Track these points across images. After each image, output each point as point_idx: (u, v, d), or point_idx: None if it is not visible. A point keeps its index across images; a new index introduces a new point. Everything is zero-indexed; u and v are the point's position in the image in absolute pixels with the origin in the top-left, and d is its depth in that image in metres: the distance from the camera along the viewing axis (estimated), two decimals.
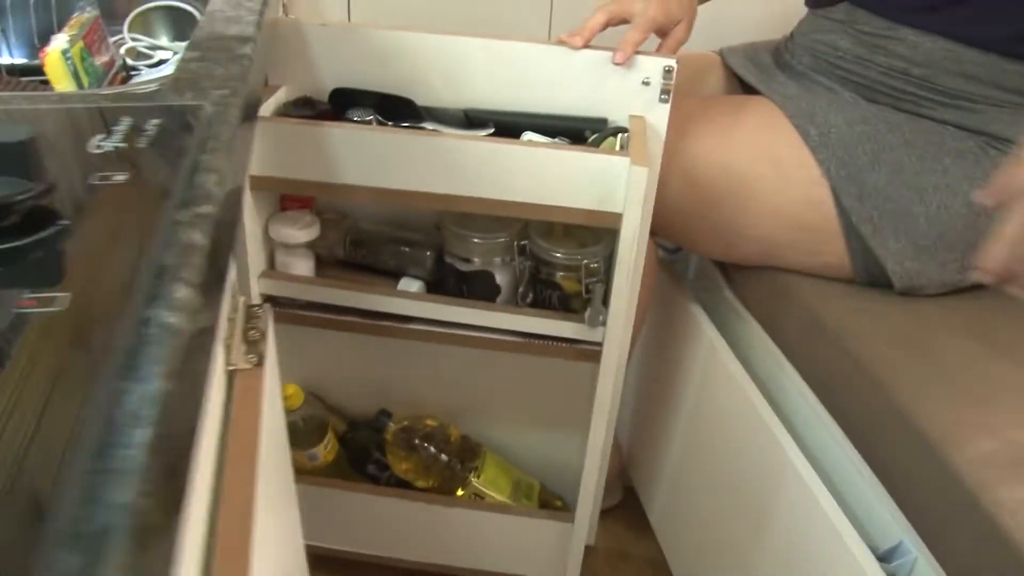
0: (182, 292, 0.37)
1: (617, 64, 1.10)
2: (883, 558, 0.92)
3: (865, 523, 0.98)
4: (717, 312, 1.33)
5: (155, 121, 0.52)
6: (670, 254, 1.52)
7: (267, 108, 1.12)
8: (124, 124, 0.52)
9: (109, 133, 0.50)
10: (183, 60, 0.66)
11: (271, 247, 1.21)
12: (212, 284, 0.42)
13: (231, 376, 0.62)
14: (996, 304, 1.12)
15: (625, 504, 1.59)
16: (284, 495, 0.75)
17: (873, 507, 0.97)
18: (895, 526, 0.93)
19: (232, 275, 0.69)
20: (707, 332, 1.28)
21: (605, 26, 1.12)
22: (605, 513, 1.55)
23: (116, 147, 0.48)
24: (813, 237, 1.15)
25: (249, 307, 0.68)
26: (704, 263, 1.43)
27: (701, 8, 1.21)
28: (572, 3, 1.73)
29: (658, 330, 1.46)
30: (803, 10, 1.29)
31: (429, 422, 1.35)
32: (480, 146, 1.05)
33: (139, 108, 0.55)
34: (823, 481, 1.02)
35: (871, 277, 1.15)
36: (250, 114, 0.64)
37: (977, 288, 1.15)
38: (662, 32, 1.15)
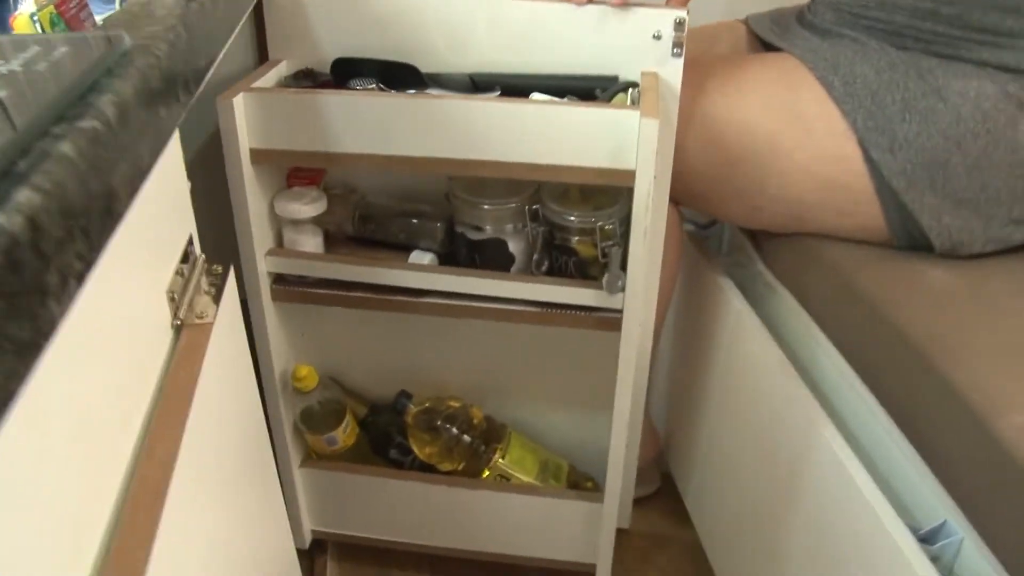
0: (26, 196, 0.33)
1: (614, 6, 1.04)
2: (925, 539, 0.85)
3: (906, 502, 0.91)
4: (749, 286, 1.27)
5: (64, 49, 0.48)
6: (702, 229, 1.45)
7: (267, 82, 1.09)
8: (31, 51, 0.48)
9: (7, 60, 0.46)
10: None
11: (278, 226, 1.17)
12: (81, 204, 0.37)
13: (178, 331, 0.58)
14: None
15: (664, 492, 1.53)
16: (241, 465, 0.71)
17: (914, 485, 0.90)
18: (938, 505, 0.86)
19: (188, 238, 0.65)
20: (736, 305, 1.21)
21: None
22: (642, 501, 1.50)
23: (10, 70, 0.44)
24: (843, 196, 1.08)
25: (208, 265, 0.64)
26: (736, 237, 1.37)
27: None
28: None
29: (690, 309, 1.40)
30: None
31: (451, 403, 1.30)
32: (485, 107, 1.00)
33: (55, 39, 0.51)
34: (860, 458, 0.95)
35: (910, 239, 1.07)
36: (195, 63, 0.59)
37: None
38: None
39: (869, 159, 1.05)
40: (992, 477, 0.79)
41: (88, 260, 0.38)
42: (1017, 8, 1.00)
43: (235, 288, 0.67)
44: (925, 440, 0.89)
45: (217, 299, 0.61)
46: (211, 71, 0.64)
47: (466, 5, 1.09)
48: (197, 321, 0.59)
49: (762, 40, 1.26)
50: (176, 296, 0.59)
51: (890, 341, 0.95)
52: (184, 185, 0.65)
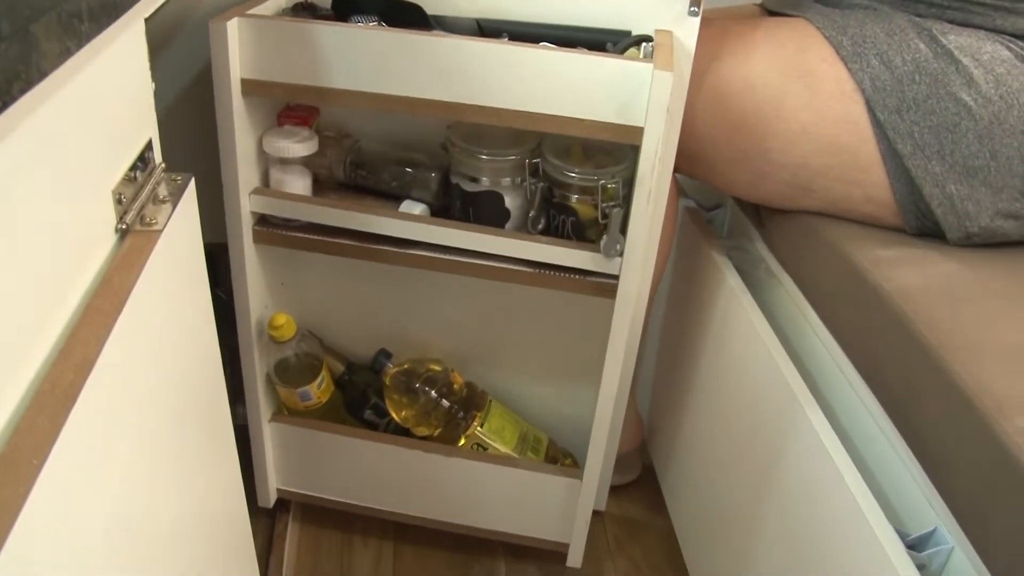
0: None
1: None
2: (913, 546, 0.80)
3: (896, 505, 0.86)
4: (749, 270, 1.21)
5: None
6: (706, 211, 1.40)
7: (264, 11, 1.03)
8: None
9: None
10: None
11: (266, 166, 1.11)
12: None
13: (123, 236, 0.52)
14: None
15: (644, 481, 1.48)
16: (184, 398, 0.65)
17: (906, 486, 0.85)
18: (930, 510, 0.81)
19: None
20: (731, 285, 1.16)
21: None
22: (620, 488, 1.45)
23: None
24: (849, 160, 1.02)
25: (167, 173, 0.58)
26: (738, 218, 1.31)
27: None
28: None
29: (684, 289, 1.35)
30: None
31: (432, 366, 1.24)
32: (490, 49, 0.94)
33: None
34: (851, 454, 0.89)
35: (918, 215, 1.02)
36: None
37: None
38: None
39: (876, 122, 1.00)
40: (992, 483, 0.73)
41: None
42: None
43: (194, 199, 0.61)
44: (922, 439, 0.84)
45: (166, 205, 0.55)
46: None
47: None
48: (144, 228, 0.53)
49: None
50: (124, 199, 0.53)
51: (893, 332, 0.89)
52: (147, 85, 0.59)
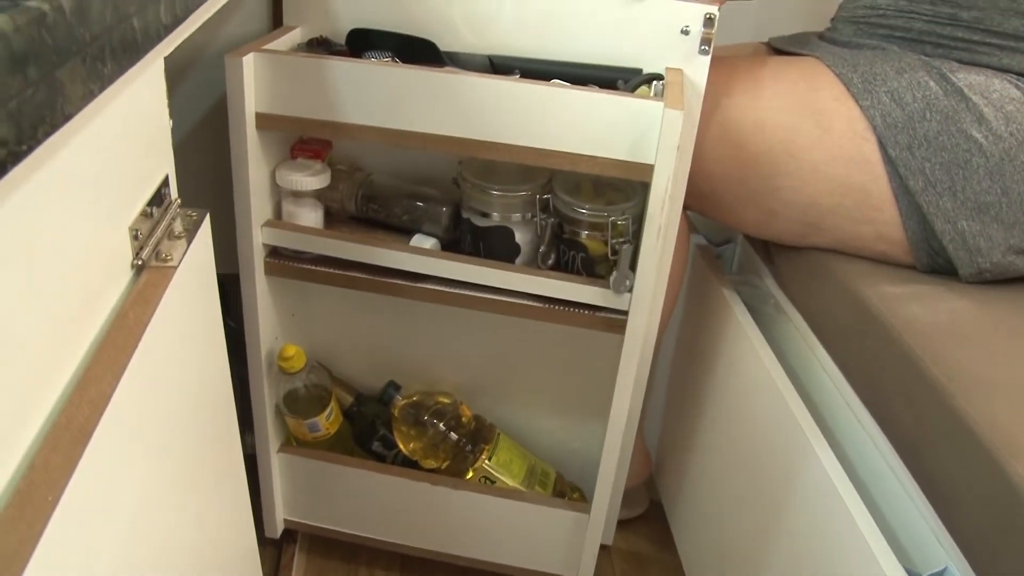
0: None
1: None
2: None
3: (904, 543, 0.86)
4: (758, 306, 1.22)
5: None
6: (716, 247, 1.40)
7: (280, 47, 1.05)
8: None
9: None
10: None
11: (279, 198, 1.12)
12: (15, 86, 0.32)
13: (138, 272, 0.53)
14: None
15: (651, 516, 1.48)
16: (195, 432, 0.65)
17: (915, 525, 0.85)
18: (940, 549, 0.81)
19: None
20: (740, 321, 1.16)
21: None
22: (627, 523, 1.45)
23: None
24: (860, 199, 1.03)
25: (182, 208, 0.59)
26: (747, 254, 1.31)
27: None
28: None
29: (693, 325, 1.35)
30: None
31: (441, 399, 1.25)
32: (503, 86, 0.96)
33: None
34: (861, 493, 0.89)
35: (930, 254, 1.02)
36: None
37: None
38: None
39: (888, 160, 1.00)
40: (1002, 523, 0.73)
41: (15, 152, 0.33)
42: None
43: (208, 235, 0.62)
44: (931, 478, 0.83)
45: (182, 241, 0.56)
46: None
47: None
48: (160, 264, 0.54)
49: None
50: (141, 235, 0.54)
51: (903, 370, 0.89)
52: (164, 121, 0.60)
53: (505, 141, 0.97)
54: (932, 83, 0.99)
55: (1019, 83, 0.98)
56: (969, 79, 0.99)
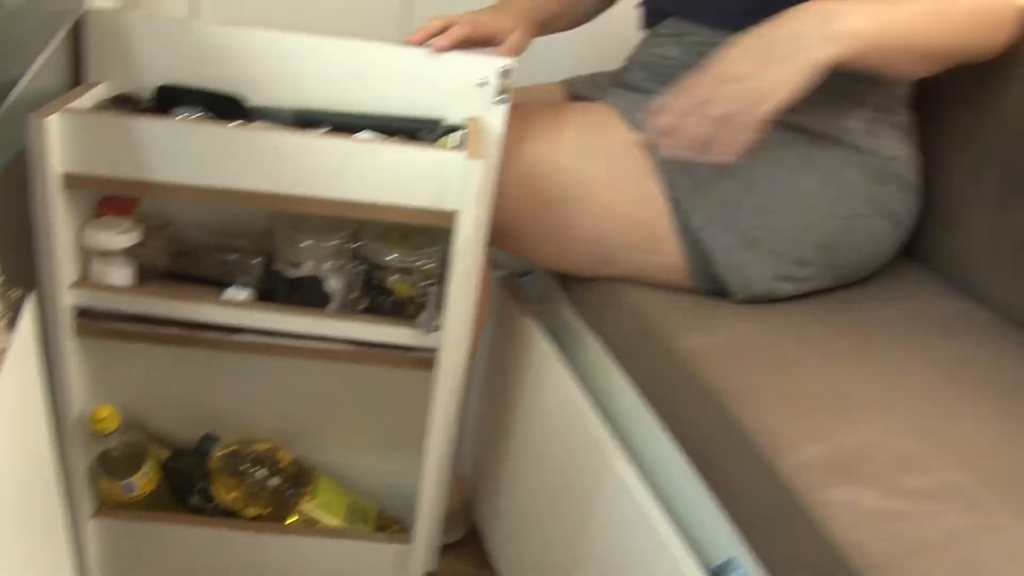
0: None
1: (438, 50, 1.10)
2: (716, 573, 0.90)
3: (699, 539, 0.96)
4: (559, 333, 1.31)
5: None
6: (518, 277, 1.50)
7: (84, 104, 1.04)
8: None
9: None
10: None
11: (86, 258, 1.11)
12: None
13: None
14: (831, 316, 1.13)
15: (470, 540, 1.54)
16: (18, 514, 0.66)
17: (706, 522, 0.96)
18: (726, 541, 0.92)
19: None
20: (543, 348, 1.26)
21: (441, 30, 1.11)
22: (449, 547, 1.50)
23: None
24: (646, 234, 1.14)
25: (5, 288, 0.60)
26: (547, 284, 1.41)
27: (548, 47, 1.23)
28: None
29: (499, 355, 1.43)
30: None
31: (258, 446, 1.27)
32: (309, 142, 1.01)
33: None
34: (658, 497, 1.00)
35: (708, 279, 1.15)
36: None
37: (818, 295, 1.17)
38: (495, 39, 1.15)
39: (672, 198, 1.13)
40: (775, 511, 0.84)
41: None
42: None
43: (32, 316, 0.63)
44: (719, 481, 0.94)
45: (12, 326, 0.58)
46: (20, 86, 0.60)
47: (295, 41, 1.10)
48: None
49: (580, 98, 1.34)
50: None
51: (687, 384, 1.00)
52: None
53: (314, 195, 1.02)
54: None
55: (781, 129, 1.10)
56: None
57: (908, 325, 1.11)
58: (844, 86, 1.12)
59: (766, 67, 0.96)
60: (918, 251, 1.27)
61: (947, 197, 1.24)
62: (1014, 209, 1.16)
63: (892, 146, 1.16)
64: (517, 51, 1.15)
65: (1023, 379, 1.01)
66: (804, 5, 0.99)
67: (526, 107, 1.19)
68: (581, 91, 1.33)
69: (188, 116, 1.06)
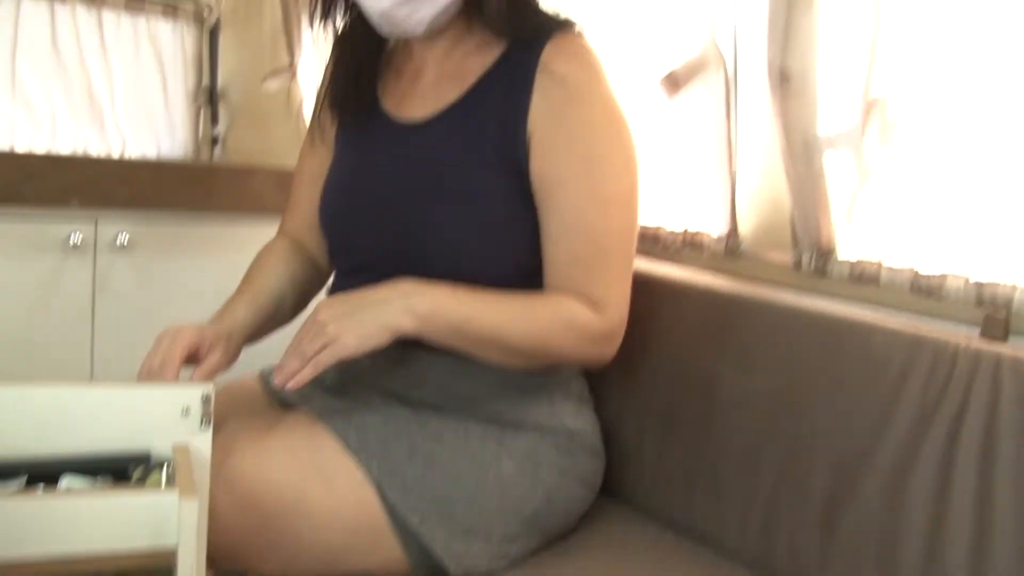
0: None
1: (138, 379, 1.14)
2: None
3: None
4: None
5: None
6: None
7: None
8: None
9: None
10: None
11: None
12: None
13: None
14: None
15: None
16: None
17: None
18: None
19: None
20: None
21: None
22: None
23: None
24: (370, 538, 1.20)
25: None
26: None
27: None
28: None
29: None
30: None
31: None
32: (5, 503, 0.98)
33: None
34: None
35: (432, 569, 1.21)
36: None
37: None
38: (199, 357, 1.19)
39: (386, 501, 1.19)
40: None
41: None
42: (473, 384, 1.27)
43: None
44: None
45: None
46: None
47: None
48: None
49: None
50: None
51: None
52: None
53: (17, 556, 0.98)
54: (414, 429, 1.21)
55: (478, 423, 1.24)
56: (442, 424, 1.23)
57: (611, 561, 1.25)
58: (528, 380, 1.28)
59: (348, 319, 1.14)
60: (610, 488, 1.44)
61: (623, 438, 1.42)
62: (672, 442, 1.36)
63: (574, 419, 1.32)
64: (215, 371, 1.20)
65: None
66: (401, 281, 1.19)
67: (232, 421, 1.23)
68: (278, 389, 1.38)
69: None
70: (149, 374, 1.16)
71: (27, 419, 1.10)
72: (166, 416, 1.12)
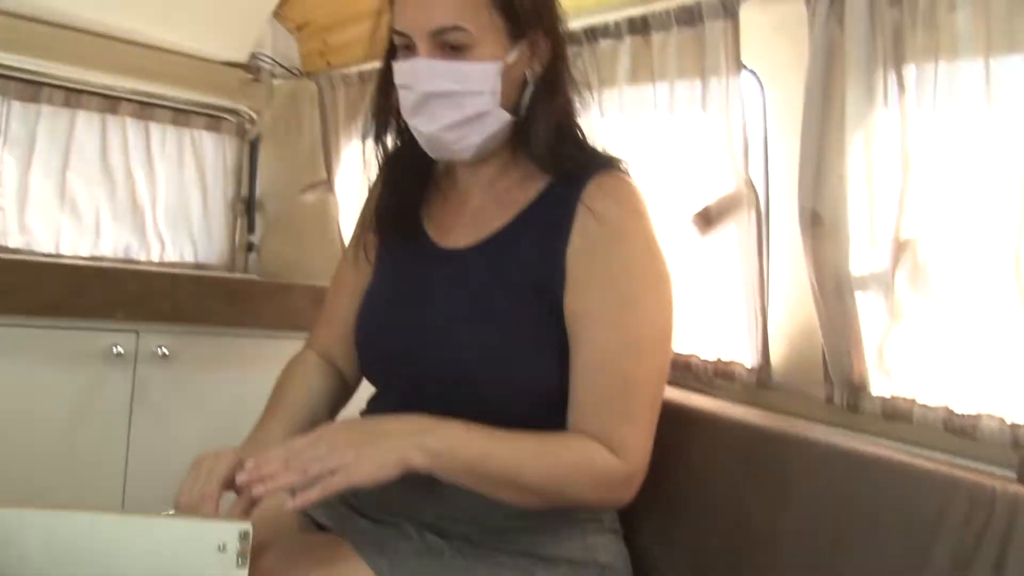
0: None
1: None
2: None
3: None
4: None
5: None
6: None
7: None
8: None
9: None
10: None
11: None
12: None
13: None
14: None
15: None
16: None
17: None
18: None
19: None
20: None
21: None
22: None
23: None
24: None
25: None
26: None
27: None
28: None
29: None
30: None
31: None
32: None
33: None
34: None
35: None
36: None
37: None
38: (237, 489, 1.19)
39: None
40: None
41: None
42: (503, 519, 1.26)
43: None
44: None
45: None
46: None
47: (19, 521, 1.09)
48: None
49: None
50: None
51: None
52: None
53: None
54: (447, 563, 1.22)
55: (509, 556, 1.24)
56: (475, 558, 1.24)
57: None
58: (562, 514, 1.28)
59: (360, 448, 1.10)
60: None
61: (653, 572, 1.41)
62: None
63: (605, 552, 1.31)
64: (254, 509, 1.18)
65: None
66: (415, 417, 1.18)
67: (267, 557, 1.22)
68: (315, 513, 1.37)
69: None
70: (188, 506, 1.16)
71: (61, 544, 1.10)
72: (202, 553, 1.12)
